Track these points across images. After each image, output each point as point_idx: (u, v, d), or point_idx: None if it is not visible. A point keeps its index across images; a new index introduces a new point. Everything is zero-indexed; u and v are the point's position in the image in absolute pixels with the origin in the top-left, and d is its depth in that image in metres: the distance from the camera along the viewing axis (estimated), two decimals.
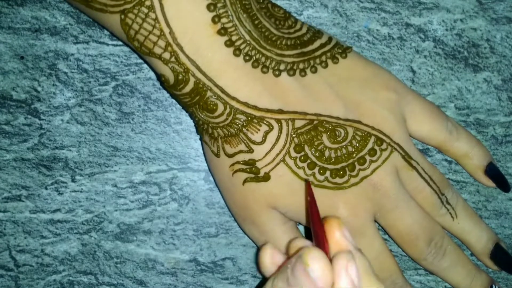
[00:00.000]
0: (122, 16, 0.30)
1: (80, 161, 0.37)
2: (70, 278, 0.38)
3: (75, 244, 0.38)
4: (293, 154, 0.32)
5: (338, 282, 0.23)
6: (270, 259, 0.28)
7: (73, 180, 0.37)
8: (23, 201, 0.37)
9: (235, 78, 0.31)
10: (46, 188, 0.37)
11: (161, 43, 0.30)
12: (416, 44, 0.38)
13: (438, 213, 0.35)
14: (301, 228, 0.37)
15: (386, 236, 0.37)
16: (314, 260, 0.23)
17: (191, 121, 0.37)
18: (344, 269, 0.23)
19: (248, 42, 0.31)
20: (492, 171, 0.37)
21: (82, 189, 0.38)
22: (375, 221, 0.35)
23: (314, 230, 0.26)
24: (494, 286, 0.37)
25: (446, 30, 0.38)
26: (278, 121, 0.32)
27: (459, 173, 0.39)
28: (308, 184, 0.31)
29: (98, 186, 0.38)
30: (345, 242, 0.25)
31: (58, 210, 0.38)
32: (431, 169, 0.35)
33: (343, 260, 0.23)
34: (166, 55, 0.31)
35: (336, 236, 0.25)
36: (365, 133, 0.33)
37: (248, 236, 0.36)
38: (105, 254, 0.38)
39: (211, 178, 0.38)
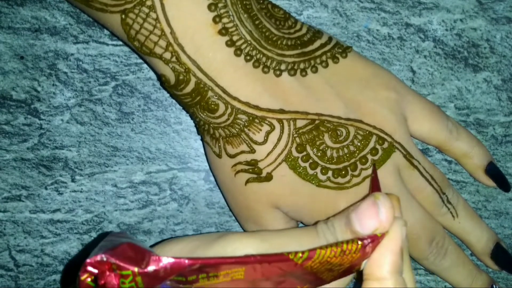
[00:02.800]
0: (123, 16, 0.30)
1: (80, 161, 0.37)
2: None
3: (75, 244, 0.38)
4: (295, 154, 0.32)
5: (394, 225, 0.25)
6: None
7: (73, 180, 0.37)
8: (23, 201, 0.37)
9: (236, 78, 0.31)
10: (46, 188, 0.37)
11: (162, 43, 0.30)
12: (416, 44, 0.38)
13: (439, 213, 0.36)
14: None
15: None
16: (384, 196, 0.25)
17: (191, 121, 0.37)
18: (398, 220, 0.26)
19: (249, 42, 0.31)
20: (492, 170, 0.37)
21: (82, 189, 0.37)
22: None
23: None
24: (494, 286, 0.37)
25: (446, 30, 0.38)
26: (280, 121, 0.32)
27: (459, 173, 0.39)
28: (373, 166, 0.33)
29: (98, 186, 0.37)
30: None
31: (58, 210, 0.38)
32: (432, 169, 0.35)
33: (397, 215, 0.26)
34: (167, 55, 0.31)
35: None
36: (367, 132, 0.33)
37: None
38: None
39: (211, 178, 0.38)
